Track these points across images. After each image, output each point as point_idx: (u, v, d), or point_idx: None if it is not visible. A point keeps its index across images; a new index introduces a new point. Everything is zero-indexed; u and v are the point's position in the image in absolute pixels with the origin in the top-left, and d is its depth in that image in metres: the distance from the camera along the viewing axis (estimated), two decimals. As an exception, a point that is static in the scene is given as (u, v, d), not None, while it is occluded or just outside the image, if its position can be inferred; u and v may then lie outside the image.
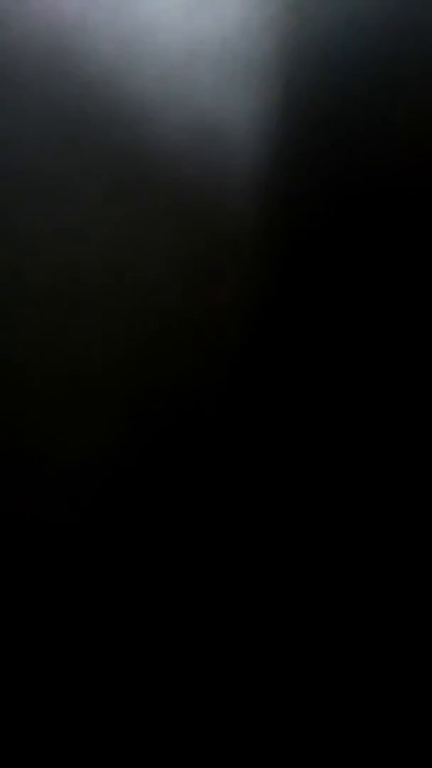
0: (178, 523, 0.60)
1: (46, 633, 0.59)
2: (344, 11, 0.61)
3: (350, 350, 0.61)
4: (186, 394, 0.60)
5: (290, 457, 0.61)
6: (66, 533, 0.60)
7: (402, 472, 0.62)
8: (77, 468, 0.59)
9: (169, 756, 0.60)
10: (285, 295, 0.61)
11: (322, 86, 0.61)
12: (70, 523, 0.60)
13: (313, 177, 0.61)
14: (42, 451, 0.59)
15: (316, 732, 0.61)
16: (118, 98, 0.60)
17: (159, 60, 0.60)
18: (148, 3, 0.60)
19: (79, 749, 0.60)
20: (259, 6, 0.61)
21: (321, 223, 0.61)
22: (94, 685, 0.60)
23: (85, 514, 0.60)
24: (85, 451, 0.59)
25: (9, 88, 0.59)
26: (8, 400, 0.59)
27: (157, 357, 0.60)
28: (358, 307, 0.62)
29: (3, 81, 0.59)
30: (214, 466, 0.61)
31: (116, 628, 0.60)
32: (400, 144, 0.61)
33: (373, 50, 0.61)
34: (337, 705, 0.61)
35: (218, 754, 0.61)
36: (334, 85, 0.61)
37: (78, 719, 0.60)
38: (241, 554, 0.61)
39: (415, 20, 0.61)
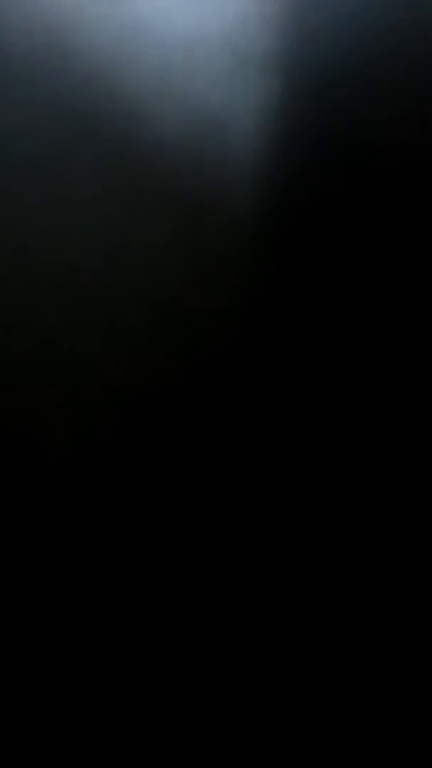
0: (178, 524, 0.60)
1: (46, 631, 0.59)
2: (344, 7, 0.61)
3: (351, 347, 0.61)
4: (187, 391, 0.60)
5: (291, 456, 0.61)
6: (65, 532, 0.59)
7: (403, 474, 0.62)
8: (76, 466, 0.59)
9: (169, 751, 0.60)
10: (285, 290, 0.61)
11: (322, 81, 0.61)
12: (70, 521, 0.59)
13: (313, 172, 0.61)
14: (42, 449, 0.59)
15: (316, 732, 0.61)
16: (117, 92, 0.59)
17: (158, 54, 0.60)
18: (146, -4, 0.60)
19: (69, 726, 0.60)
20: (259, 1, 0.61)
21: (320, 218, 0.61)
22: (91, 667, 0.60)
23: (85, 510, 0.60)
24: (84, 448, 0.59)
25: (6, 82, 0.59)
26: (8, 397, 0.59)
27: (157, 353, 0.60)
28: (359, 303, 0.62)
29: (2, 75, 0.59)
30: (214, 463, 0.61)
31: (117, 619, 0.60)
32: (400, 140, 0.61)
33: (373, 46, 0.61)
34: (337, 703, 0.61)
35: (218, 752, 0.61)
36: (334, 81, 0.61)
37: (71, 700, 0.60)
38: (240, 548, 0.61)
39: (414, 17, 0.61)
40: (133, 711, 0.60)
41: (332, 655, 0.61)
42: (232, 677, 0.61)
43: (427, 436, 0.62)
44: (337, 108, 0.61)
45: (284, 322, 0.61)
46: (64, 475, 0.59)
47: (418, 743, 0.61)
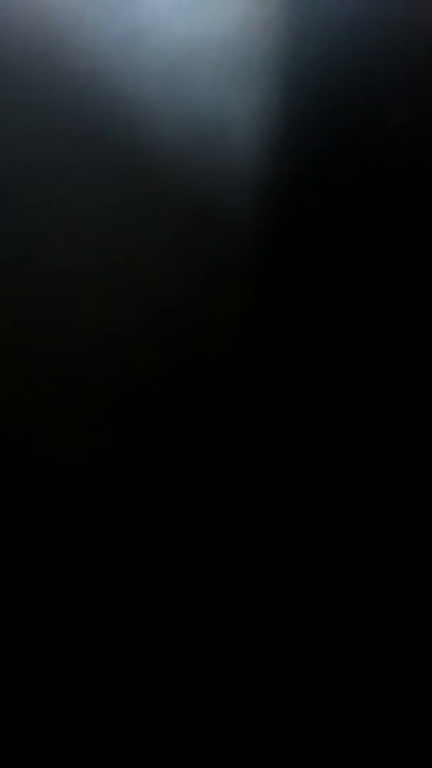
0: (178, 527, 0.60)
1: (46, 632, 0.60)
2: (344, 11, 0.61)
3: (351, 348, 0.61)
4: (186, 392, 0.60)
5: (291, 459, 0.61)
6: (66, 534, 0.60)
7: (404, 480, 0.62)
8: (76, 470, 0.59)
9: (169, 752, 0.60)
10: (285, 292, 0.61)
11: (322, 85, 0.61)
12: (70, 523, 0.60)
13: (313, 176, 0.61)
14: (42, 452, 0.59)
15: (316, 732, 0.61)
16: (118, 97, 0.59)
17: (158, 59, 0.60)
18: (147, 1, 0.60)
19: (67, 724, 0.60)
20: (259, 5, 0.61)
21: (320, 221, 0.61)
22: (91, 668, 0.60)
23: (85, 512, 0.60)
24: (83, 452, 0.59)
25: (8, 86, 0.59)
26: (8, 399, 0.59)
27: (157, 355, 0.60)
28: (359, 307, 0.62)
29: (2, 79, 0.59)
30: (214, 467, 0.61)
31: (118, 622, 0.60)
32: (400, 143, 0.61)
33: (373, 49, 0.61)
34: (337, 704, 0.61)
35: (218, 754, 0.61)
36: (334, 85, 0.61)
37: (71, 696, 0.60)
38: (241, 550, 0.61)
39: (414, 20, 0.61)
40: (133, 711, 0.60)
41: (332, 654, 0.61)
42: (232, 679, 0.61)
43: (427, 435, 0.62)
44: (337, 111, 0.61)
45: (284, 326, 0.61)
46: (64, 478, 0.59)
47: (418, 743, 0.62)
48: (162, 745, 0.60)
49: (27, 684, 0.60)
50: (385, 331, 0.62)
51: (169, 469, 0.60)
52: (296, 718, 0.61)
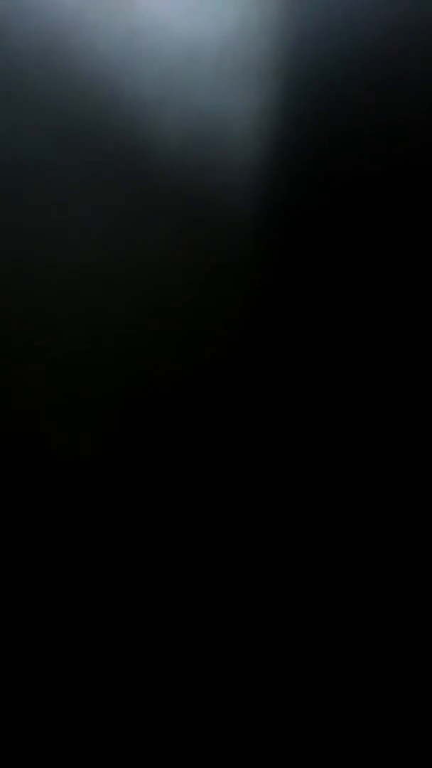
0: (178, 527, 0.60)
1: (47, 632, 0.59)
2: (344, 11, 0.61)
3: (350, 348, 0.61)
4: (186, 392, 0.60)
5: (291, 458, 0.61)
6: (64, 534, 0.60)
7: (405, 482, 0.62)
8: (76, 469, 0.59)
9: (169, 752, 0.60)
10: (284, 292, 0.61)
11: (321, 85, 0.61)
12: (69, 523, 0.59)
13: (312, 176, 0.61)
14: (42, 451, 0.59)
15: (316, 732, 0.61)
16: (117, 97, 0.60)
17: (157, 59, 0.60)
18: (146, 2, 0.60)
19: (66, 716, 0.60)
20: (259, 6, 0.61)
21: (320, 221, 0.61)
22: (91, 666, 0.60)
23: (85, 512, 0.60)
24: (84, 452, 0.59)
25: (8, 87, 0.59)
26: (9, 399, 0.59)
27: (157, 354, 0.60)
28: (359, 306, 0.62)
29: (2, 80, 0.59)
30: (214, 466, 0.61)
31: (118, 622, 0.60)
32: (400, 143, 0.61)
33: (372, 50, 0.61)
34: (337, 705, 0.61)
35: (218, 754, 0.61)
36: (334, 85, 0.61)
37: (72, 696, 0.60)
38: (241, 550, 0.61)
39: (414, 19, 0.61)
40: (133, 711, 0.60)
41: (332, 655, 0.61)
42: (231, 679, 0.61)
43: (427, 436, 0.62)
44: (336, 112, 0.61)
45: (284, 325, 0.61)
46: (64, 478, 0.59)
47: (418, 743, 0.61)
48: (162, 745, 0.60)
49: (27, 683, 0.59)
50: (385, 330, 0.62)
51: (169, 469, 0.60)
52: (296, 717, 0.61)
